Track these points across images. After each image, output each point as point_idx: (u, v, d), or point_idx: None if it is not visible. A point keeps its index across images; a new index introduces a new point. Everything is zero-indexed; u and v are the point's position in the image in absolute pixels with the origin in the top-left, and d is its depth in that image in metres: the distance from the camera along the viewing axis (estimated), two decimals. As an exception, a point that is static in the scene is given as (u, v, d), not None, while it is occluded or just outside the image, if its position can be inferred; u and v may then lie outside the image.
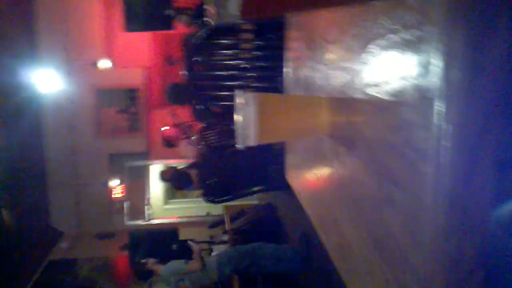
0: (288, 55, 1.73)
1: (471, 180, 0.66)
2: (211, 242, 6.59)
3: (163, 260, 4.84)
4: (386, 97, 0.82)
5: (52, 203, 8.35)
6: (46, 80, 6.99)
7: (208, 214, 8.22)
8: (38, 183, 8.00)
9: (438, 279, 0.71)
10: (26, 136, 7.35)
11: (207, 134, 4.58)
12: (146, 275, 5.17)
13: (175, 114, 6.17)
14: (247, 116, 1.07)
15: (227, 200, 5.21)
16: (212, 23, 2.66)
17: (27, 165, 7.45)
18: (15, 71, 6.66)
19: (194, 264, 4.64)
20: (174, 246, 6.45)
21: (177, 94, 4.35)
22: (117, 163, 8.59)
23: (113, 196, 8.66)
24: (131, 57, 8.30)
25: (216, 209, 7.82)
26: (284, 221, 6.17)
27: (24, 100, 6.89)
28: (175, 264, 4.76)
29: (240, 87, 2.42)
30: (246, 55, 3.01)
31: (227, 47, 2.96)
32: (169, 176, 5.18)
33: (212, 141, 4.60)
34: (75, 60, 7.76)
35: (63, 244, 8.21)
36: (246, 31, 3.03)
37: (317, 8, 0.85)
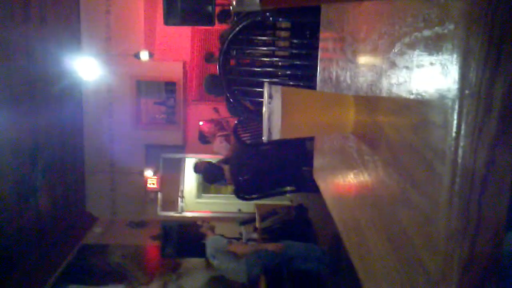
0: (321, 54, 1.74)
1: (487, 183, 0.65)
2: (239, 239, 6.63)
3: (192, 251, 4.99)
4: (409, 96, 0.81)
5: (88, 189, 8.58)
6: (87, 69, 7.21)
7: (239, 211, 8.26)
8: (76, 168, 8.24)
9: (449, 281, 0.70)
10: (67, 122, 7.59)
11: (241, 130, 4.62)
12: (200, 236, 5.33)
13: (216, 109, 6.22)
14: (272, 109, 1.08)
15: (258, 198, 5.24)
16: (234, 12, 2.67)
17: (67, 149, 7.69)
18: (59, 59, 6.88)
19: (237, 247, 4.72)
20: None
21: (214, 84, 4.41)
22: (153, 154, 8.75)
23: (147, 186, 8.82)
24: (171, 50, 8.43)
25: (248, 207, 7.87)
26: (315, 222, 6.15)
27: (66, 87, 7.11)
28: (219, 240, 4.91)
29: (274, 84, 2.42)
30: (282, 53, 3.02)
31: (263, 43, 2.98)
32: (202, 168, 5.27)
33: (246, 138, 4.63)
34: (116, 50, 7.94)
35: (97, 229, 8.41)
36: (283, 28, 3.04)
37: (338, 1, 0.85)
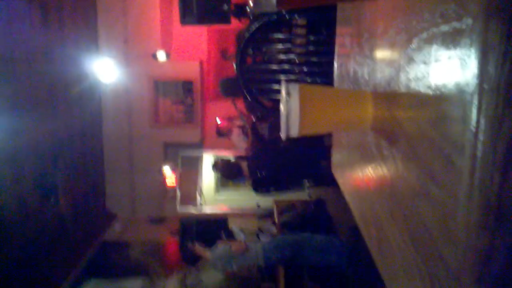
0: (338, 50, 1.74)
1: (507, 176, 0.65)
2: (258, 233, 6.63)
3: (210, 245, 4.95)
4: (427, 91, 0.82)
5: (108, 187, 8.68)
6: (106, 70, 7.29)
7: (258, 206, 8.25)
8: (96, 167, 8.33)
9: (469, 274, 0.70)
10: (87, 123, 7.68)
11: (258, 126, 4.63)
12: (193, 259, 5.30)
13: (236, 105, 6.23)
14: (290, 107, 1.09)
15: (275, 191, 5.24)
16: (252, 13, 2.69)
17: (87, 149, 7.79)
18: (78, 61, 6.97)
19: (237, 245, 4.70)
20: (223, 233, 6.52)
21: (229, 87, 4.44)
22: (172, 152, 8.81)
23: (166, 183, 8.88)
24: (187, 50, 8.47)
25: (266, 202, 7.86)
26: (333, 216, 6.14)
27: (86, 89, 7.20)
28: (221, 248, 4.84)
29: (291, 81, 2.44)
30: (299, 50, 3.01)
31: (280, 41, 2.98)
32: (220, 167, 5.30)
33: (263, 134, 4.65)
34: (133, 51, 8.00)
35: (117, 226, 8.50)
36: (299, 26, 3.04)
37: None
